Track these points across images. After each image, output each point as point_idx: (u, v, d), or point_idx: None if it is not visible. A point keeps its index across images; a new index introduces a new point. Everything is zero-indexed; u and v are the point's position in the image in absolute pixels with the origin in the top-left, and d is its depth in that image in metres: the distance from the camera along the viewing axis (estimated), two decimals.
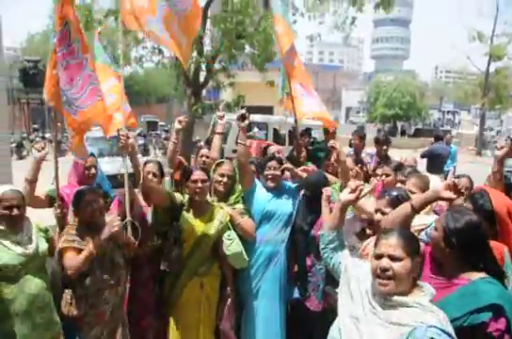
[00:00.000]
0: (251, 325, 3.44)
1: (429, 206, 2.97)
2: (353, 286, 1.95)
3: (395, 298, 1.73)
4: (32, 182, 3.09)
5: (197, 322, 3.14)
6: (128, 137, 2.88)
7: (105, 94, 3.22)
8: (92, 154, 3.59)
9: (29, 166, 3.13)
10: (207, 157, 4.10)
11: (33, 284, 2.69)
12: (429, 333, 1.58)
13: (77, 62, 2.82)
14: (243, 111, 3.35)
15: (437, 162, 8.86)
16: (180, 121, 3.63)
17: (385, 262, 1.76)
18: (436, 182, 3.19)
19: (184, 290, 3.12)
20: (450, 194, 2.03)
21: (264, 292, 3.42)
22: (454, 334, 1.62)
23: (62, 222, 3.08)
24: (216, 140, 4.05)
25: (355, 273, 2.01)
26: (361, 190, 2.21)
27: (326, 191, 3.30)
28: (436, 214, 2.98)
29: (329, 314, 2.23)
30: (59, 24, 2.75)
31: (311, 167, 4.45)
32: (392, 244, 1.78)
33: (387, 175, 3.84)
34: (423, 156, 9.20)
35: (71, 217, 3.08)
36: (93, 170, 3.53)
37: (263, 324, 3.42)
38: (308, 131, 6.91)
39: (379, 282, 1.77)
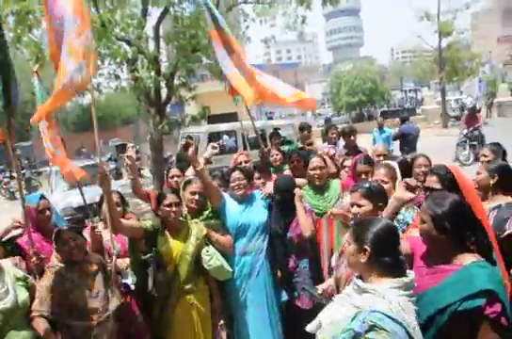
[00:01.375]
0: (243, 335, 3.49)
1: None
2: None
3: (357, 281, 1.87)
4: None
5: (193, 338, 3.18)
6: (105, 174, 2.82)
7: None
8: (43, 197, 3.57)
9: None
10: (178, 177, 4.11)
11: (19, 337, 2.63)
12: (370, 317, 1.66)
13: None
14: (183, 142, 3.39)
15: (409, 141, 9.11)
16: (128, 157, 3.57)
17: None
18: (398, 167, 3.23)
19: (175, 310, 3.15)
20: (410, 194, 2.27)
21: (252, 301, 3.47)
22: (407, 322, 1.68)
23: (40, 268, 3.04)
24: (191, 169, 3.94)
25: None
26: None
27: (297, 192, 3.44)
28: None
29: (320, 308, 2.31)
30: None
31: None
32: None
33: (365, 173, 3.60)
34: (395, 139, 9.43)
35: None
36: (47, 213, 3.50)
37: (254, 333, 3.46)
38: (276, 131, 7.01)
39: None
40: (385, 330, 1.62)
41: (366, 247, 1.86)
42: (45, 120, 3.55)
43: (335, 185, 3.82)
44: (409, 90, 47.52)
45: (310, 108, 4.64)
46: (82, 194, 3.66)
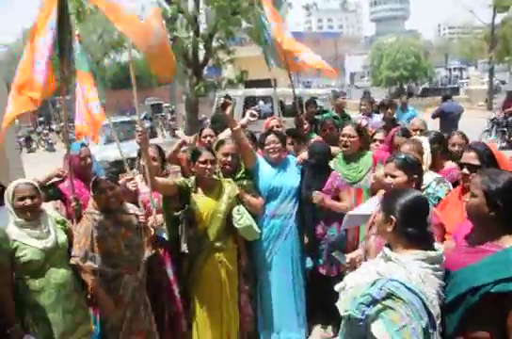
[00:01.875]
0: (266, 297, 3.54)
1: (424, 166, 3.00)
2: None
3: (385, 249, 1.89)
4: None
5: (220, 298, 3.23)
6: (144, 132, 2.89)
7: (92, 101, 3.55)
8: (84, 145, 3.66)
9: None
10: (211, 137, 4.08)
11: (58, 275, 2.80)
12: (388, 285, 1.69)
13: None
14: (221, 101, 3.29)
15: (449, 120, 8.74)
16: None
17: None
18: (426, 144, 3.17)
19: (204, 268, 3.20)
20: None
21: (277, 264, 3.50)
22: (424, 294, 1.69)
23: (78, 213, 3.13)
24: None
25: None
26: None
27: (316, 195, 3.39)
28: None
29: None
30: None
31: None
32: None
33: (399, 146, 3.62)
34: (434, 117, 9.06)
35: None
36: (89, 160, 3.61)
37: (276, 295, 3.51)
38: (313, 100, 6.85)
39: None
40: (401, 300, 1.66)
41: (392, 217, 1.87)
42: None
43: (367, 156, 3.77)
44: (454, 69, 45.58)
45: (331, 74, 4.68)
46: (119, 148, 3.69)
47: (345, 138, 3.70)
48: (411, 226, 1.85)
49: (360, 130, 3.80)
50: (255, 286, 3.59)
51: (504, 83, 31.88)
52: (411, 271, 1.75)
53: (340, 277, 3.30)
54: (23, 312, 2.70)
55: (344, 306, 1.82)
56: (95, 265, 2.85)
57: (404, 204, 1.88)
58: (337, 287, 1.97)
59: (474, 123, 11.70)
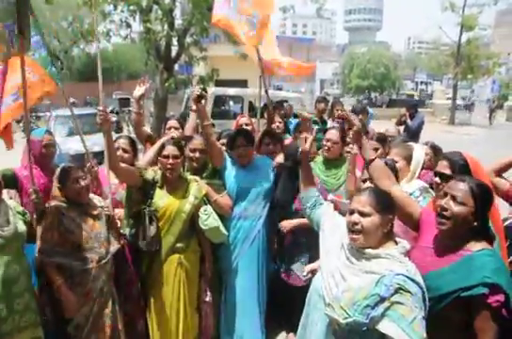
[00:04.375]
0: (230, 302, 3.44)
1: (410, 174, 3.00)
2: (328, 242, 2.12)
3: (368, 250, 1.88)
4: None
5: (177, 300, 3.10)
6: (107, 113, 2.76)
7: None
8: (49, 132, 3.45)
9: None
10: (176, 129, 3.90)
11: (11, 269, 2.55)
12: (396, 280, 1.71)
13: None
14: (197, 92, 3.10)
15: (414, 131, 8.92)
16: (142, 82, 3.47)
17: (355, 217, 1.92)
18: (420, 152, 3.16)
19: (162, 268, 3.07)
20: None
21: (243, 268, 3.40)
22: (422, 283, 1.75)
23: (40, 206, 2.88)
24: (192, 118, 3.86)
25: (332, 223, 2.19)
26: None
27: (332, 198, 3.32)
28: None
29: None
30: None
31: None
32: (361, 201, 1.92)
33: (375, 149, 3.62)
34: (399, 123, 9.22)
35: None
36: (52, 149, 3.40)
37: (240, 301, 3.41)
38: (281, 103, 6.85)
39: (351, 236, 1.94)
40: (409, 292, 1.69)
41: (391, 216, 1.91)
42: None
43: (347, 163, 3.68)
44: (421, 82, 47.00)
45: (307, 73, 4.69)
46: (83, 141, 3.48)
47: (329, 143, 3.56)
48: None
49: (344, 136, 3.70)
50: (219, 291, 3.47)
51: (464, 99, 33.15)
52: (407, 264, 1.79)
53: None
54: None
55: (342, 313, 1.77)
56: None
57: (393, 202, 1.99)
58: (327, 297, 1.90)
59: (436, 137, 12.02)
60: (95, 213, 2.89)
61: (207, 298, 3.27)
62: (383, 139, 3.85)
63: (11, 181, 3.22)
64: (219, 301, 3.47)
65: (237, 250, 3.39)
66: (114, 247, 2.94)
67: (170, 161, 2.99)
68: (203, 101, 3.12)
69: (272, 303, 3.64)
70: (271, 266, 3.59)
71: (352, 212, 1.95)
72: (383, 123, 10.33)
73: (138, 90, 3.51)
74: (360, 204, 1.91)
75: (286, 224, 3.44)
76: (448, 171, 2.48)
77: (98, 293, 2.82)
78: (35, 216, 2.86)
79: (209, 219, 3.09)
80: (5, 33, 2.74)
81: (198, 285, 3.25)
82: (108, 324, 2.87)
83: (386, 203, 1.93)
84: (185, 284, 3.12)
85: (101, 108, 2.73)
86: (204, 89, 3.17)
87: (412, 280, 1.71)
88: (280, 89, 31.47)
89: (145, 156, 3.46)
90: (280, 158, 3.62)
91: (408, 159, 3.03)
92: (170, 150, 3.01)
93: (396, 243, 1.92)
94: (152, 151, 3.37)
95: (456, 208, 1.91)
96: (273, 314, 3.69)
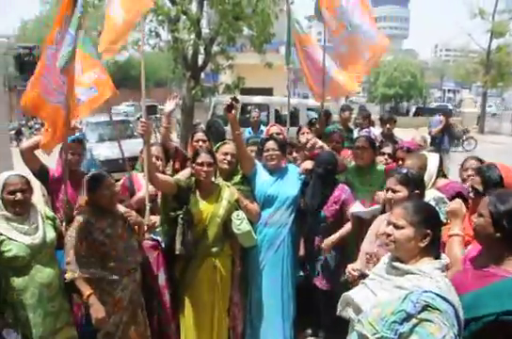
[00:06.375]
0: (255, 307, 3.45)
1: (430, 182, 2.94)
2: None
3: (399, 264, 1.84)
4: None
5: (211, 303, 3.14)
6: (148, 124, 2.88)
7: (86, 86, 3.20)
8: (78, 139, 3.45)
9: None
10: (203, 142, 3.90)
11: (44, 274, 2.65)
12: (423, 297, 1.65)
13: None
14: (228, 102, 3.16)
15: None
16: (173, 98, 3.60)
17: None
18: (434, 161, 3.13)
19: (197, 272, 3.11)
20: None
21: (268, 274, 3.41)
22: (454, 301, 1.68)
23: (68, 217, 2.96)
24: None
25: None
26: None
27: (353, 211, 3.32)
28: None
29: (338, 292, 2.23)
30: None
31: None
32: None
33: (402, 160, 3.62)
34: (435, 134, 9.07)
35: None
36: (76, 157, 3.43)
37: (265, 307, 3.42)
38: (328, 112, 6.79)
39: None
40: (438, 310, 1.63)
41: (428, 231, 1.84)
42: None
43: (381, 169, 3.71)
44: (449, 90, 46.25)
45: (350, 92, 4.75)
46: (120, 146, 3.55)
47: (359, 151, 3.66)
48: (439, 238, 1.88)
49: (373, 142, 3.76)
50: (246, 296, 3.48)
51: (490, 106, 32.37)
52: (438, 280, 1.73)
53: (332, 291, 3.30)
54: (3, 309, 2.55)
55: (370, 329, 1.74)
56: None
57: (434, 217, 1.92)
58: (344, 313, 1.91)
59: None
60: (123, 221, 2.91)
61: (236, 300, 3.32)
62: (409, 150, 3.79)
63: (45, 180, 3.34)
64: (245, 307, 3.49)
65: (262, 256, 3.41)
66: (140, 256, 2.97)
67: (205, 169, 3.06)
68: (234, 110, 3.17)
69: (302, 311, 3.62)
70: (298, 274, 3.58)
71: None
72: (409, 131, 10.15)
73: (169, 105, 3.56)
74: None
75: (328, 243, 3.38)
76: (480, 188, 2.44)
77: (128, 302, 2.84)
78: (64, 223, 2.94)
79: (242, 224, 3.15)
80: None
81: (230, 289, 3.29)
82: (138, 333, 2.91)
83: (422, 217, 1.88)
84: (219, 288, 3.17)
85: (143, 120, 2.87)
86: (235, 99, 3.18)
87: (442, 297, 1.66)
88: (305, 98, 31.46)
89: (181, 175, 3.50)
90: (306, 164, 3.62)
91: (423, 169, 3.01)
92: (205, 157, 3.08)
93: (437, 259, 1.86)
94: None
95: (477, 220, 1.93)
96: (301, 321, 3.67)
